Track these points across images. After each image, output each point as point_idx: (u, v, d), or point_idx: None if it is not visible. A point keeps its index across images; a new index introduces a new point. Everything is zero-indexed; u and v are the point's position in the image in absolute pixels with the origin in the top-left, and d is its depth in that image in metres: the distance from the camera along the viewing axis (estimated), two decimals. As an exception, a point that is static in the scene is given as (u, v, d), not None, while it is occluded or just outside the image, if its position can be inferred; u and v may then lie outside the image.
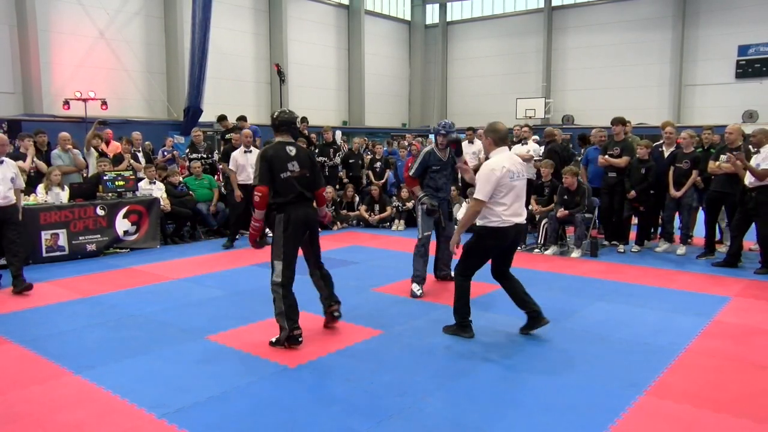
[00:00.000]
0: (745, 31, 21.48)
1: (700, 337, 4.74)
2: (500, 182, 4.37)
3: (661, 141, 8.48)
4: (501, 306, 5.66)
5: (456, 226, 6.05)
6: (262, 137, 11.84)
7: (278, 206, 4.62)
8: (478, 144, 11.16)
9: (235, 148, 9.21)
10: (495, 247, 4.63)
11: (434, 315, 5.38)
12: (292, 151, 4.61)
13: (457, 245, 4.74)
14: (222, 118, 11.58)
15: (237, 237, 9.07)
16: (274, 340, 4.56)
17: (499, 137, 4.54)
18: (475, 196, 4.45)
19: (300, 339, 4.50)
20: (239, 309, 5.60)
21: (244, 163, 8.65)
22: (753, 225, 7.17)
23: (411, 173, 6.37)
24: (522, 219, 4.61)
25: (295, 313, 4.54)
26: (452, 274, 6.26)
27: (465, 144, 11.42)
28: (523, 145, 10.09)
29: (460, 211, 10.36)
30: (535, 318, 4.73)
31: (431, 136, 20.70)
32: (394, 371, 4.07)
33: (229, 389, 3.77)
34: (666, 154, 8.20)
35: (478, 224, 4.58)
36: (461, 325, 4.75)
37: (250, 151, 8.72)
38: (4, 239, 6.31)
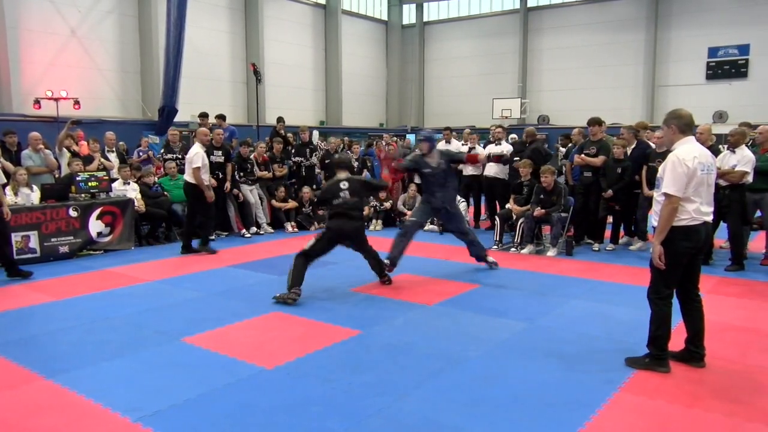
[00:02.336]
0: (715, 33, 21.94)
1: (673, 334, 4.81)
2: (692, 175, 3.80)
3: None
4: (477, 304, 5.70)
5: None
6: (239, 137, 11.78)
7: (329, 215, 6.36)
8: (455, 143, 11.24)
9: (215, 148, 9.22)
10: (688, 250, 3.95)
11: (412, 314, 5.40)
12: (344, 184, 6.18)
13: (660, 257, 3.93)
14: (203, 116, 11.47)
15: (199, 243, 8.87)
16: (277, 294, 5.72)
17: (685, 124, 3.96)
18: (665, 191, 3.84)
19: (289, 301, 5.60)
20: (216, 310, 5.55)
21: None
22: (723, 223, 7.32)
23: (399, 165, 6.92)
24: (711, 218, 4.01)
25: (298, 278, 5.75)
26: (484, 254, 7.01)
27: (442, 143, 11.54)
28: (497, 145, 10.18)
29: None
30: (688, 353, 4.18)
31: (408, 136, 20.79)
32: (373, 371, 4.07)
33: (206, 391, 3.73)
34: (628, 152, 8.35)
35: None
36: (657, 358, 4.05)
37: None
38: None
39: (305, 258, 5.92)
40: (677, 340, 4.21)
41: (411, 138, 21.50)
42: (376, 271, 6.49)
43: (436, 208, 7.09)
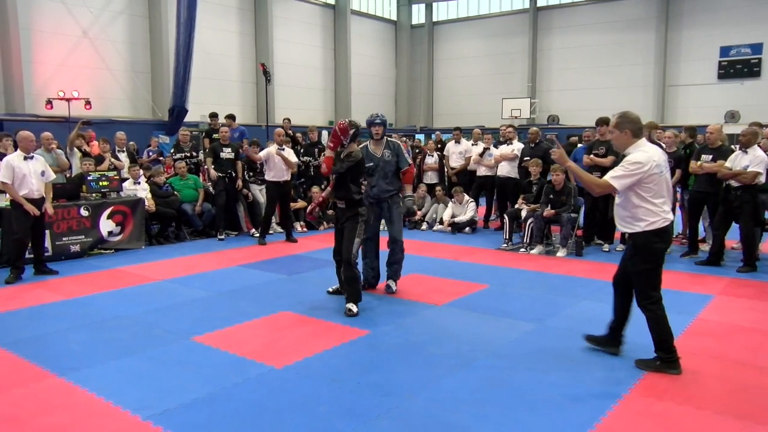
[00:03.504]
0: (727, 32, 21.74)
1: (684, 336, 4.79)
2: (647, 178, 3.88)
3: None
4: (485, 304, 5.69)
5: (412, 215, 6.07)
6: (249, 137, 11.82)
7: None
8: (465, 143, 11.23)
9: (223, 145, 9.45)
10: (663, 251, 4.04)
11: (421, 315, 5.40)
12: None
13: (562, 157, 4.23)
14: (213, 116, 11.55)
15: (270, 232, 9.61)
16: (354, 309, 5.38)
17: (638, 128, 4.03)
18: (610, 180, 3.94)
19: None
20: (225, 310, 5.57)
21: (278, 161, 8.97)
22: (734, 224, 7.26)
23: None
24: (672, 216, 4.12)
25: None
26: (396, 276, 6.19)
27: (451, 144, 11.54)
28: (508, 145, 10.18)
29: (446, 212, 10.41)
30: (610, 336, 4.37)
31: (418, 136, 20.80)
32: (381, 371, 4.07)
33: (215, 390, 3.75)
34: None
35: (637, 231, 4.00)
36: (668, 361, 4.06)
37: (283, 149, 9.09)
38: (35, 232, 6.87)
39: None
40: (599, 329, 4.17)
41: (420, 138, 21.50)
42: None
43: (374, 202, 6.14)
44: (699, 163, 7.43)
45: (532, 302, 5.79)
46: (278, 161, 8.96)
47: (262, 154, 9.14)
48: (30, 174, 6.65)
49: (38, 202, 6.76)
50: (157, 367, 4.16)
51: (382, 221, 6.32)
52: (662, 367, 4.05)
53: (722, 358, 4.30)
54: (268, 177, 9.10)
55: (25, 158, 6.68)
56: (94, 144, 10.11)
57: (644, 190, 3.91)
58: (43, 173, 6.83)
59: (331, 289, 6.09)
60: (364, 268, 6.14)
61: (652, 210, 3.93)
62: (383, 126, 6.07)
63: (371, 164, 5.97)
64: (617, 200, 4.11)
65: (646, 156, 3.90)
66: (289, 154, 9.20)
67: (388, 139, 6.21)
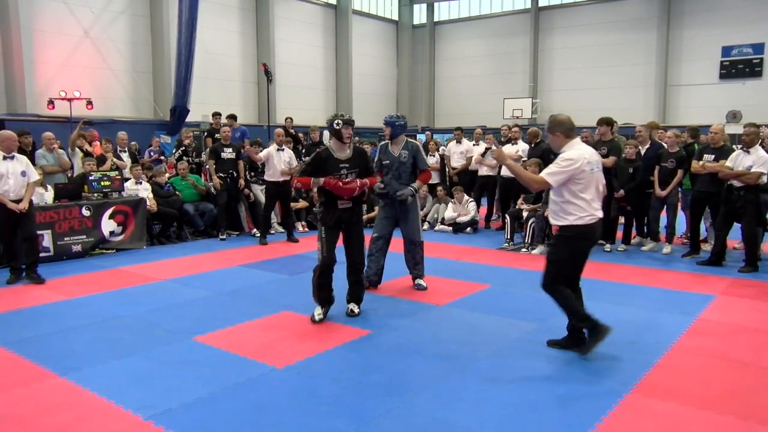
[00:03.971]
0: (729, 32, 21.71)
1: (686, 336, 4.79)
2: (578, 174, 4.08)
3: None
4: (487, 304, 5.69)
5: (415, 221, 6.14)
6: (250, 137, 11.84)
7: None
8: (466, 144, 11.23)
9: (224, 146, 9.48)
10: (584, 248, 4.29)
11: (422, 315, 5.39)
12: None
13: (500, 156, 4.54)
14: (216, 115, 11.57)
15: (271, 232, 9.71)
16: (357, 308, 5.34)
17: (569, 128, 4.28)
18: (545, 176, 4.14)
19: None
20: (226, 310, 5.58)
21: (278, 161, 9.02)
22: (735, 223, 7.25)
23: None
24: (602, 213, 4.29)
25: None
26: (418, 274, 6.28)
27: (453, 144, 11.54)
28: (513, 145, 10.17)
29: (447, 212, 10.40)
30: (570, 338, 4.45)
31: (420, 136, 20.78)
32: (382, 371, 4.07)
33: (217, 390, 3.75)
34: (642, 152, 8.29)
35: (562, 224, 4.21)
36: (594, 329, 4.22)
37: (283, 149, 9.18)
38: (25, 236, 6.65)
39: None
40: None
41: (422, 137, 21.47)
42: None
43: (389, 201, 6.25)
44: (701, 162, 7.41)
45: (533, 302, 5.77)
46: (278, 161, 8.97)
47: (263, 154, 9.16)
48: (8, 173, 6.44)
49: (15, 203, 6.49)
50: (158, 367, 4.16)
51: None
52: (596, 337, 4.20)
53: (724, 358, 4.29)
54: (267, 177, 9.13)
55: (5, 158, 6.50)
56: (96, 144, 10.13)
57: (575, 186, 4.11)
58: (24, 173, 6.60)
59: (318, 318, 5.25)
60: (368, 265, 6.06)
61: (581, 206, 4.13)
62: (390, 127, 6.14)
63: (387, 162, 6.15)
64: (552, 194, 4.29)
65: (578, 153, 4.12)
66: (290, 155, 9.20)
67: (408, 140, 6.29)
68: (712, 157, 7.32)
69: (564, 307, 4.30)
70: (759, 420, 3.36)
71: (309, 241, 9.21)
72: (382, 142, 6.38)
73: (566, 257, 4.28)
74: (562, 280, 4.29)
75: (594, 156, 4.24)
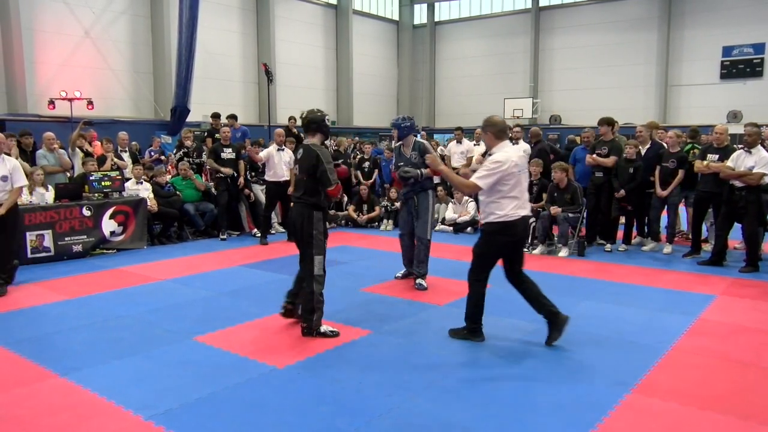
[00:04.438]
0: (730, 32, 21.71)
1: (686, 336, 4.78)
2: (506, 176, 4.31)
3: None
4: (488, 304, 5.67)
5: (426, 221, 6.29)
6: (251, 137, 11.85)
7: (323, 204, 4.82)
8: (466, 143, 11.23)
9: (224, 146, 9.48)
10: (506, 243, 4.52)
11: (422, 315, 5.39)
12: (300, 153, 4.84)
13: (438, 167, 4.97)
14: (215, 116, 11.56)
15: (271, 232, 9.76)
16: (321, 329, 4.73)
17: (500, 130, 4.51)
18: (476, 181, 4.36)
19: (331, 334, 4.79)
20: (227, 310, 5.58)
21: (278, 161, 9.07)
22: (736, 223, 7.24)
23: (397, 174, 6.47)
24: (528, 211, 4.59)
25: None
26: (419, 273, 6.38)
27: (453, 144, 11.54)
28: (515, 145, 10.12)
29: (448, 212, 10.40)
30: (554, 321, 4.56)
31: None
32: (383, 371, 4.07)
33: (217, 390, 3.75)
34: (642, 152, 8.29)
35: (486, 221, 4.49)
36: (472, 330, 4.64)
37: (283, 149, 9.20)
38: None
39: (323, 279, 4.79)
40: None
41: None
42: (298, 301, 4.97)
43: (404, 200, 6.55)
44: (705, 162, 7.37)
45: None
46: (278, 161, 8.98)
47: (263, 154, 9.16)
48: None
49: None
50: (159, 367, 4.16)
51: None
52: (468, 335, 4.64)
53: (725, 359, 4.29)
54: (267, 177, 9.13)
55: None
56: (96, 144, 10.14)
57: (503, 187, 4.35)
58: (5, 178, 6.13)
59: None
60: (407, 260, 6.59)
61: (506, 204, 4.37)
62: (396, 129, 6.36)
63: (401, 164, 6.35)
64: (479, 193, 4.51)
65: (506, 156, 4.35)
66: (290, 155, 9.19)
67: (416, 140, 6.48)
68: (716, 157, 7.30)
69: (469, 302, 4.66)
70: (760, 420, 3.36)
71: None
72: (396, 144, 6.62)
73: (490, 251, 4.55)
74: (485, 274, 4.60)
75: (521, 158, 4.52)
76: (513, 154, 4.41)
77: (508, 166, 4.30)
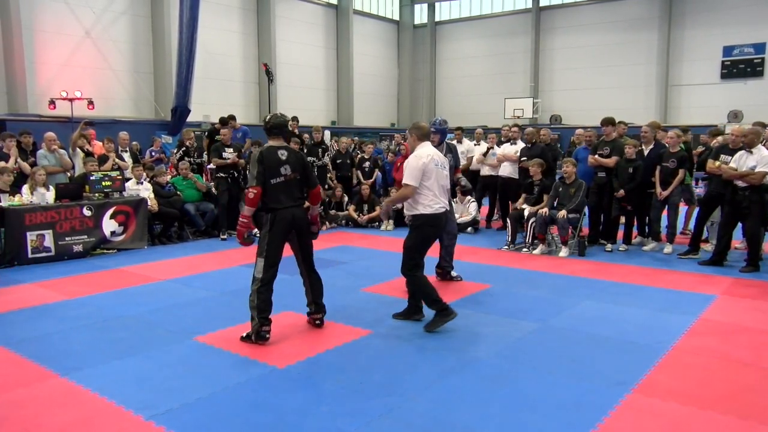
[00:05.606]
0: (730, 32, 21.70)
1: (687, 335, 4.78)
2: (427, 169, 4.81)
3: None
4: (488, 304, 5.69)
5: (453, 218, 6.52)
6: (252, 137, 11.84)
7: (266, 207, 4.74)
8: (467, 143, 11.22)
9: (225, 146, 9.50)
10: (434, 234, 5.06)
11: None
12: (284, 155, 4.70)
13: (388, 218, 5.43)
14: (223, 122, 11.48)
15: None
16: (245, 334, 4.66)
17: (423, 134, 5.06)
18: (405, 182, 4.85)
19: (267, 336, 4.58)
20: (227, 310, 5.58)
21: None
22: (738, 223, 7.23)
23: None
24: (447, 206, 5.12)
25: (267, 310, 4.62)
26: (452, 267, 6.64)
27: (453, 143, 11.51)
28: (512, 144, 10.15)
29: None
30: (412, 310, 5.19)
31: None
32: (383, 371, 4.07)
33: (218, 390, 3.75)
34: (645, 153, 8.28)
35: (414, 214, 4.92)
36: (442, 312, 4.87)
37: None
38: None
39: (263, 284, 4.69)
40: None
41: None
42: (309, 298, 5.07)
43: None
44: (717, 163, 7.31)
45: (534, 302, 5.78)
46: None
47: None
48: None
49: None
50: (159, 367, 4.17)
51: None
52: (443, 319, 4.84)
53: (725, 359, 4.29)
54: None
55: None
56: (97, 144, 10.14)
57: (426, 181, 4.82)
58: None
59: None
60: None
61: (429, 197, 4.85)
62: (440, 134, 6.49)
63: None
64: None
65: (424, 151, 4.91)
66: None
67: (447, 142, 6.80)
68: (729, 158, 7.22)
69: (418, 291, 5.00)
70: (760, 420, 3.36)
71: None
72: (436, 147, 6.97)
73: (418, 243, 4.94)
74: (418, 265, 4.94)
75: (441, 156, 5.09)
76: (431, 151, 4.96)
77: (427, 160, 4.82)
